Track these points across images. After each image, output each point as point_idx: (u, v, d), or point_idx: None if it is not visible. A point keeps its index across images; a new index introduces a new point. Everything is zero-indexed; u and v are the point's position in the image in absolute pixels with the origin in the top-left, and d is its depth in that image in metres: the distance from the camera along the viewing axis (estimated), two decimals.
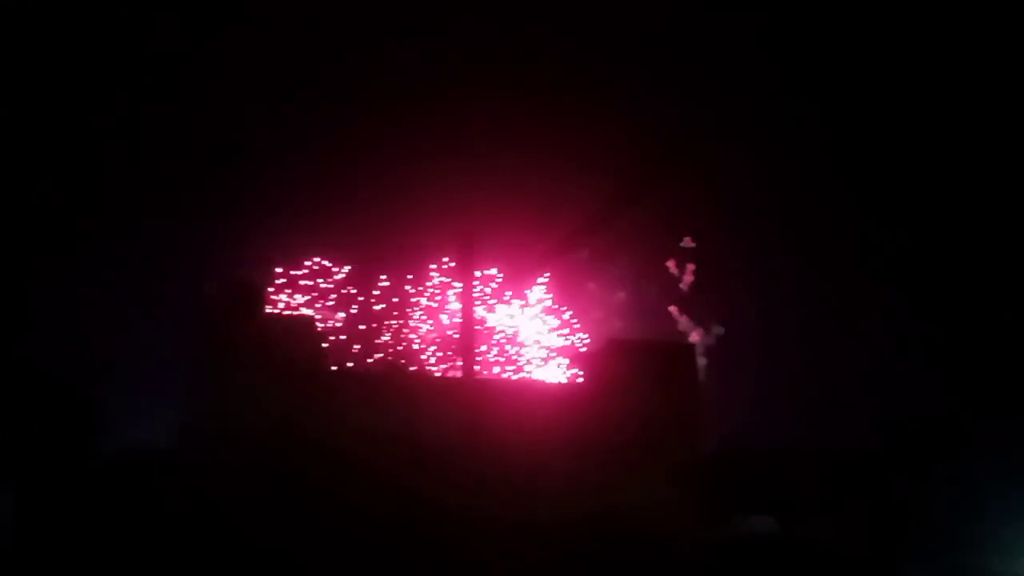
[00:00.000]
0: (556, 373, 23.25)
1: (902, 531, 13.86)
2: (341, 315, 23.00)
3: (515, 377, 23.90)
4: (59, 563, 12.12)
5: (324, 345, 19.43)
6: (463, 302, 21.70)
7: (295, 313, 19.64)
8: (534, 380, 23.26)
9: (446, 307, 24.07)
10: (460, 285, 22.16)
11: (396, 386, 17.32)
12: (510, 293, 24.58)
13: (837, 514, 14.94)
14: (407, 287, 23.56)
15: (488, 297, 24.73)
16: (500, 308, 24.82)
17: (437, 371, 22.98)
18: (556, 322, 25.18)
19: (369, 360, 21.33)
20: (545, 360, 24.27)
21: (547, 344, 24.56)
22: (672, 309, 25.15)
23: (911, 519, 14.00)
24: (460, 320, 21.76)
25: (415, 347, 23.26)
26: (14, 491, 11.73)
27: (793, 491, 16.26)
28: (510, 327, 24.95)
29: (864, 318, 21.33)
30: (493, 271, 24.15)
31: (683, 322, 25.04)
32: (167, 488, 13.60)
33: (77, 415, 14.17)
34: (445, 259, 23.24)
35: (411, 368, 21.94)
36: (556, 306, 25.27)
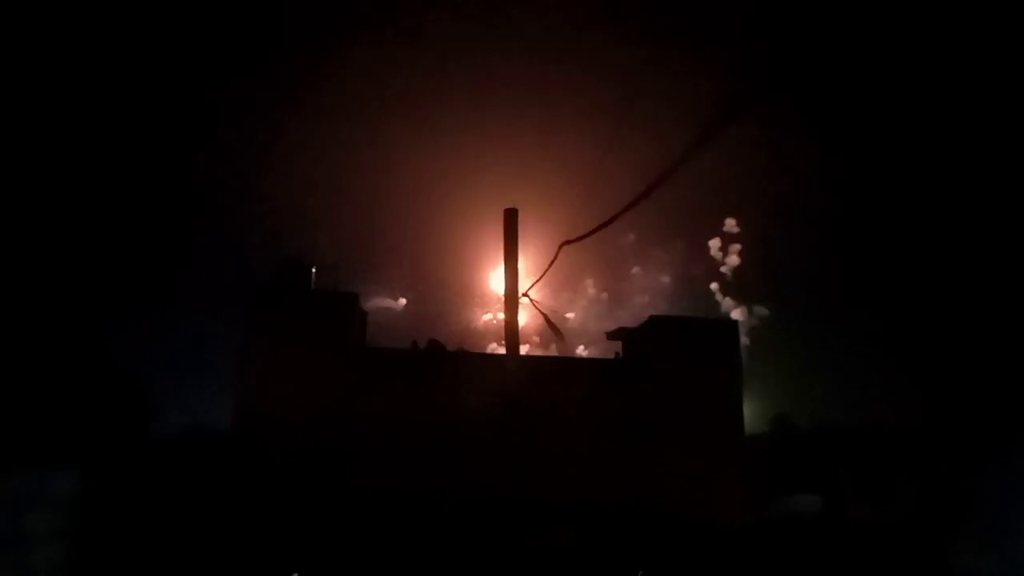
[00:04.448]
0: (600, 348, 23.34)
1: (951, 511, 13.67)
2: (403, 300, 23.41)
3: (557, 354, 23.99)
4: (122, 537, 12.56)
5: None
6: (508, 279, 21.83)
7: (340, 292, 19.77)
8: (577, 357, 23.35)
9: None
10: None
11: (437, 364, 17.39)
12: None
13: (881, 492, 14.80)
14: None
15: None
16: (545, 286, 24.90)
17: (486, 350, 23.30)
18: (601, 300, 25.38)
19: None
20: (589, 337, 24.45)
21: (592, 322, 24.74)
22: (715, 288, 25.09)
23: (960, 499, 13.79)
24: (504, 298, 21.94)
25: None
26: (80, 469, 12.13)
27: (840, 470, 16.12)
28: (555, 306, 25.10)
29: (911, 296, 21.04)
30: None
31: (726, 302, 24.96)
32: (222, 467, 13.98)
33: (136, 397, 14.64)
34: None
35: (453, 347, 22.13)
36: (600, 284, 25.46)
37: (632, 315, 24.21)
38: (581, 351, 24.75)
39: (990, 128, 21.33)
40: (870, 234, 22.72)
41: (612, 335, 19.42)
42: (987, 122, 21.31)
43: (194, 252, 19.96)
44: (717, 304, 24.99)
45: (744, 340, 21.31)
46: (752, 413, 18.11)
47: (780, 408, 19.38)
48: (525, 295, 22.98)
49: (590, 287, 26.91)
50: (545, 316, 24.45)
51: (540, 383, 17.12)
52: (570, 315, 26.57)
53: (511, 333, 21.21)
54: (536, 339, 25.23)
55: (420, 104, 25.92)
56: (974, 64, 22.06)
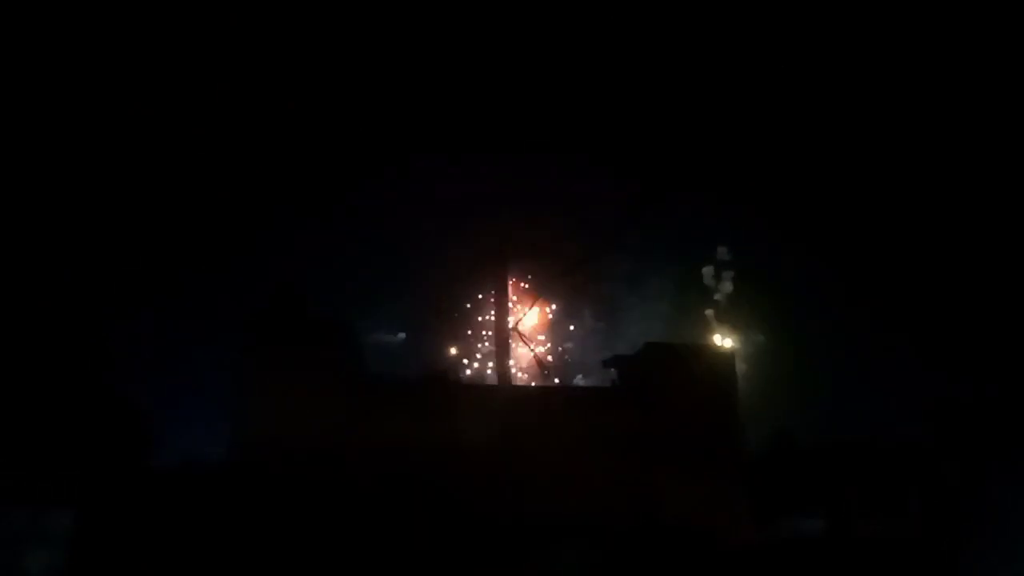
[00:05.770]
0: (597, 378, 23.33)
1: (960, 521, 13.54)
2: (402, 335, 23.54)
3: (555, 383, 24.03)
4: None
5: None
6: (498, 313, 21.96)
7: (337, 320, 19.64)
8: (573, 386, 23.36)
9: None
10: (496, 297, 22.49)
11: (437, 393, 17.34)
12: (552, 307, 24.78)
13: (888, 507, 14.67)
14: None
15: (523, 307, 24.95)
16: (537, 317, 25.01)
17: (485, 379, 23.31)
18: (596, 330, 25.43)
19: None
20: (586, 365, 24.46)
21: (588, 350, 24.77)
22: (710, 315, 25.18)
23: (969, 509, 13.64)
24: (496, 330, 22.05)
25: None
26: (76, 507, 12.00)
27: (843, 487, 16.05)
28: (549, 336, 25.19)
29: (907, 304, 21.08)
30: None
31: (722, 329, 25.04)
32: (220, 500, 13.84)
33: (132, 432, 14.51)
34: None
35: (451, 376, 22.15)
36: (596, 315, 25.54)
37: (629, 343, 24.29)
38: (579, 380, 24.76)
39: (987, 129, 21.58)
40: (867, 240, 22.89)
41: (608, 363, 19.42)
42: (984, 123, 21.56)
43: (192, 282, 19.87)
44: (713, 332, 25.08)
45: (741, 367, 21.30)
46: (752, 436, 18.05)
47: (780, 429, 19.32)
48: (514, 329, 23.10)
49: (587, 317, 26.99)
50: (533, 352, 24.45)
51: (537, 412, 17.10)
52: (567, 345, 26.60)
53: (503, 372, 21.31)
54: (527, 374, 25.28)
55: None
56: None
